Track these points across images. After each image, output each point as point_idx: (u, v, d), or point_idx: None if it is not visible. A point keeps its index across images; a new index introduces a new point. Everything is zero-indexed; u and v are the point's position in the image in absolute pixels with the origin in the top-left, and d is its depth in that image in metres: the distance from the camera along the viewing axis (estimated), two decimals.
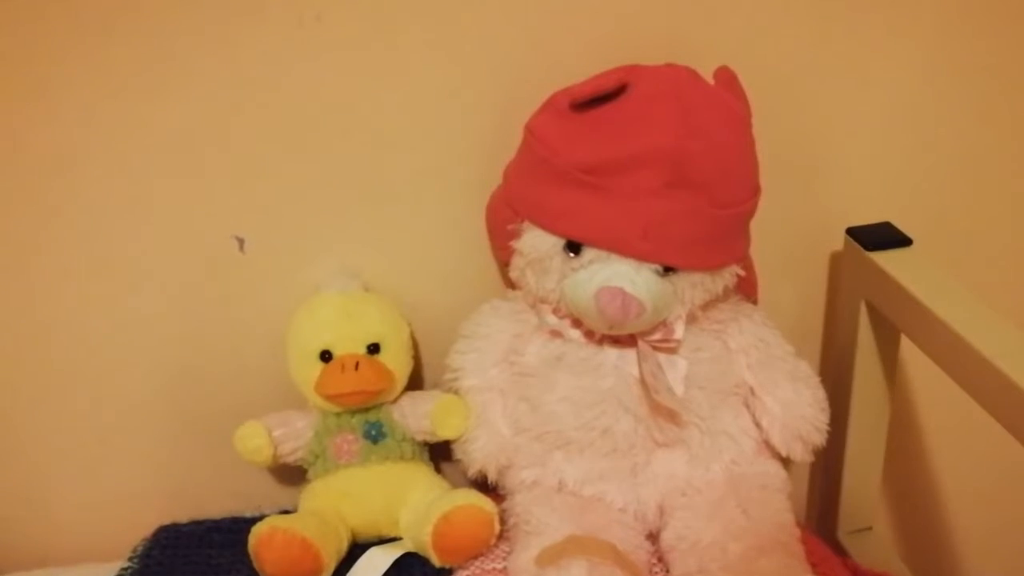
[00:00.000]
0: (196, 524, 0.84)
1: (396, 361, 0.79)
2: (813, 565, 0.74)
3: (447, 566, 0.75)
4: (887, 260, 0.81)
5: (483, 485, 0.80)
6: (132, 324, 0.82)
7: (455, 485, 0.80)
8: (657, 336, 0.74)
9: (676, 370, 0.75)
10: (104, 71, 0.73)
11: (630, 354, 0.75)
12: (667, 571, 0.75)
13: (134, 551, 0.82)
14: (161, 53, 0.73)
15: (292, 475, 0.84)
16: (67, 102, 0.74)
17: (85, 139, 0.75)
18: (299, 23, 0.73)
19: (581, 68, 0.72)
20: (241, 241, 0.80)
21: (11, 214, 0.77)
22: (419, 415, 0.80)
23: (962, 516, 1.07)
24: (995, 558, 1.10)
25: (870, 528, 0.95)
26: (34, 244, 0.78)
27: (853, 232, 0.85)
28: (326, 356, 0.77)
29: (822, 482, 0.96)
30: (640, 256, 0.70)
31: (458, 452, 0.80)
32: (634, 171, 0.68)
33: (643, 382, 0.73)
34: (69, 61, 0.73)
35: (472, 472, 0.80)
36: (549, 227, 0.71)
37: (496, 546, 0.76)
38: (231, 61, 0.74)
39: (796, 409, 0.78)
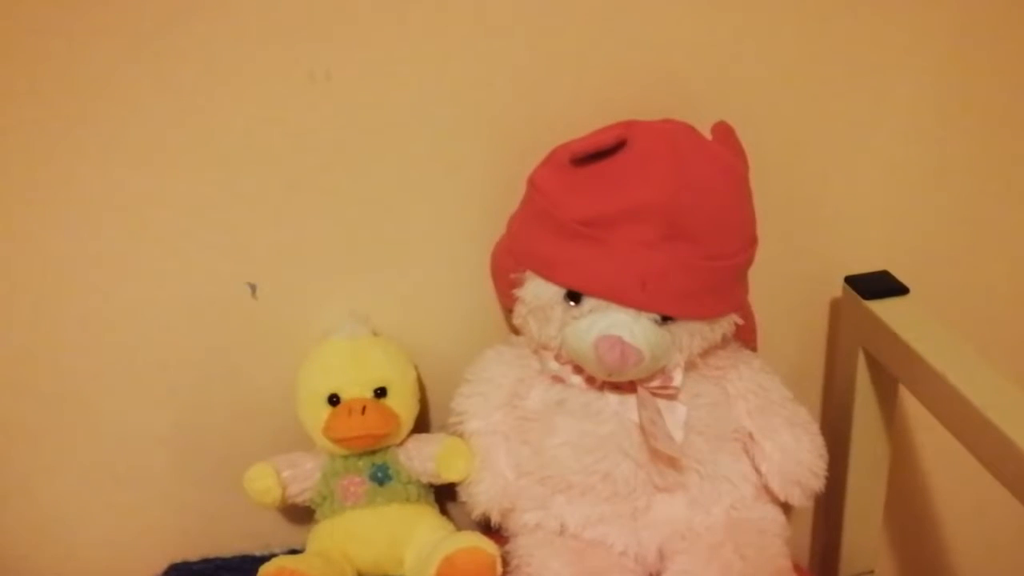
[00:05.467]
0: (206, 562, 0.86)
1: (402, 404, 0.80)
2: None
3: None
4: (884, 309, 0.82)
5: (488, 527, 0.81)
6: (147, 367, 0.83)
7: (460, 526, 0.81)
8: (656, 383, 0.75)
9: (676, 416, 0.76)
10: (119, 123, 0.75)
11: (630, 400, 0.76)
12: None
13: None
14: (175, 107, 0.75)
15: (301, 515, 0.85)
16: (84, 161, 0.76)
17: (101, 191, 0.77)
18: (310, 79, 0.76)
19: (582, 122, 0.75)
20: (254, 288, 0.82)
21: (25, 266, 0.79)
22: (424, 458, 0.81)
23: (962, 560, 1.07)
24: None
25: (871, 572, 0.95)
26: (48, 290, 0.80)
27: (851, 281, 0.86)
28: (334, 400, 0.79)
29: (823, 526, 0.97)
30: (638, 306, 0.71)
31: (462, 494, 0.81)
32: (631, 224, 0.70)
33: (642, 429, 0.74)
34: (88, 114, 0.75)
35: (476, 515, 0.80)
36: (550, 277, 0.73)
37: None
38: (245, 114, 0.76)
39: (794, 455, 0.79)
